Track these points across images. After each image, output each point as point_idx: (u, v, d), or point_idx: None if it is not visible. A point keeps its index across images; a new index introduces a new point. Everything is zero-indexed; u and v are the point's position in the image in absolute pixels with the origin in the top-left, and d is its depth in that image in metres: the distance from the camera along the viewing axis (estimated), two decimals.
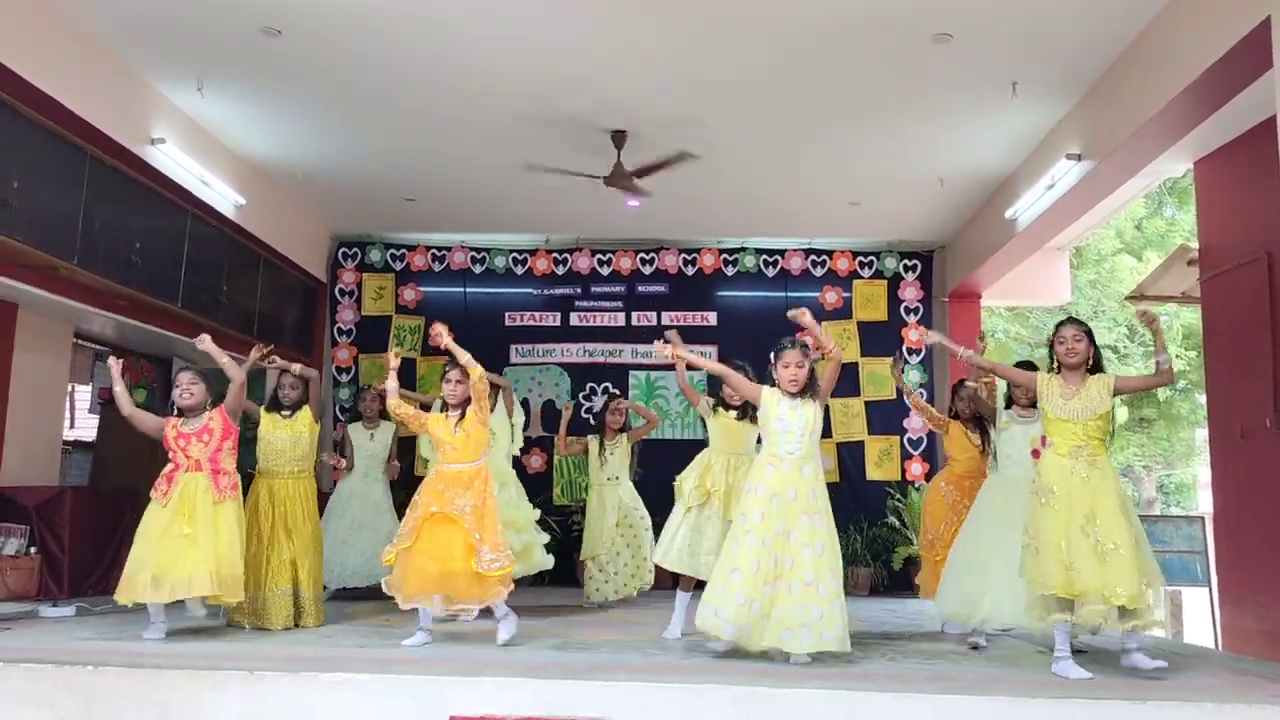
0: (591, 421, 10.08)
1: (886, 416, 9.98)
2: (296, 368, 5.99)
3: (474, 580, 4.96)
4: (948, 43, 6.00)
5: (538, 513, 7.03)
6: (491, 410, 5.81)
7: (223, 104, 7.15)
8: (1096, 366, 4.67)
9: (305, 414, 5.90)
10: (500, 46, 6.23)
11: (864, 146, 7.78)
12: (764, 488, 4.71)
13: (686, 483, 5.69)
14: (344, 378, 10.22)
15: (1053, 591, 4.37)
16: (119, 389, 5.35)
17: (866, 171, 8.31)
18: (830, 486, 9.48)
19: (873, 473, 9.92)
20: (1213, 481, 7.29)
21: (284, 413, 5.86)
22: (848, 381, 9.96)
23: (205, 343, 5.50)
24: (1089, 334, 4.67)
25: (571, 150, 7.69)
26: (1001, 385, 5.59)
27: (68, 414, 8.07)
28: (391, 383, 5.41)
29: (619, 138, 7.46)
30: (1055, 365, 4.71)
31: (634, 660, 4.67)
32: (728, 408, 5.81)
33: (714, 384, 7.33)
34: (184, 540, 4.97)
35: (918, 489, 9.62)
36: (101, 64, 6.34)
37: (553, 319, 10.30)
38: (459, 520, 5.01)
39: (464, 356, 5.25)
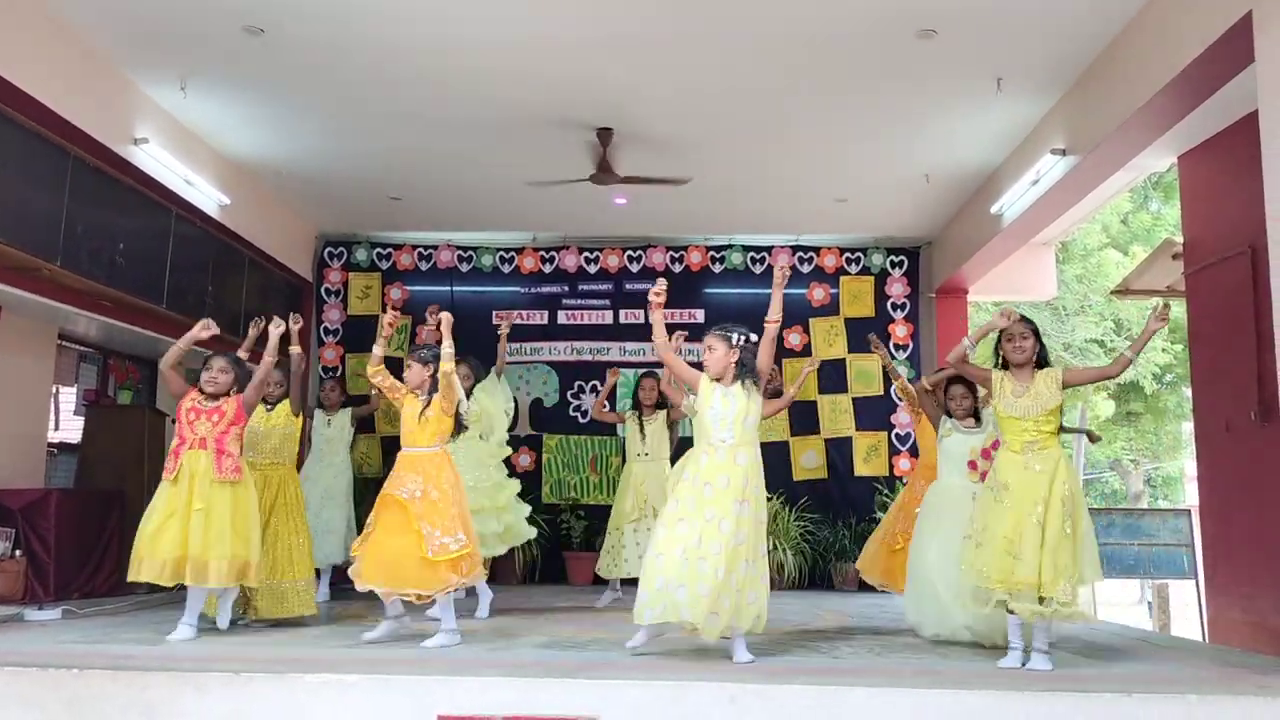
0: (581, 419, 10.12)
1: (874, 412, 9.99)
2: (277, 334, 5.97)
3: (421, 567, 4.93)
4: (932, 38, 6.01)
5: (517, 485, 7.19)
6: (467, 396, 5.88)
7: (206, 103, 7.11)
8: (1043, 361, 4.76)
9: (283, 407, 6.05)
10: (485, 43, 6.22)
11: (850, 143, 7.78)
12: (696, 475, 4.70)
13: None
14: (330, 377, 10.17)
15: (988, 585, 4.50)
16: (181, 347, 5.44)
17: (853, 168, 8.32)
18: (818, 482, 9.61)
19: (860, 469, 9.93)
20: (1199, 475, 7.33)
21: (266, 405, 5.97)
22: (836, 378, 9.98)
23: (211, 328, 5.51)
24: (1035, 331, 4.77)
25: (558, 148, 7.67)
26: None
27: (52, 416, 8.02)
28: (378, 350, 5.42)
29: (604, 135, 7.45)
30: (1002, 363, 4.80)
31: (622, 658, 4.66)
32: None
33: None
34: (198, 518, 5.03)
35: (905, 485, 9.62)
36: (83, 63, 6.30)
37: (540, 317, 10.27)
38: (405, 504, 5.02)
39: (447, 348, 5.28)
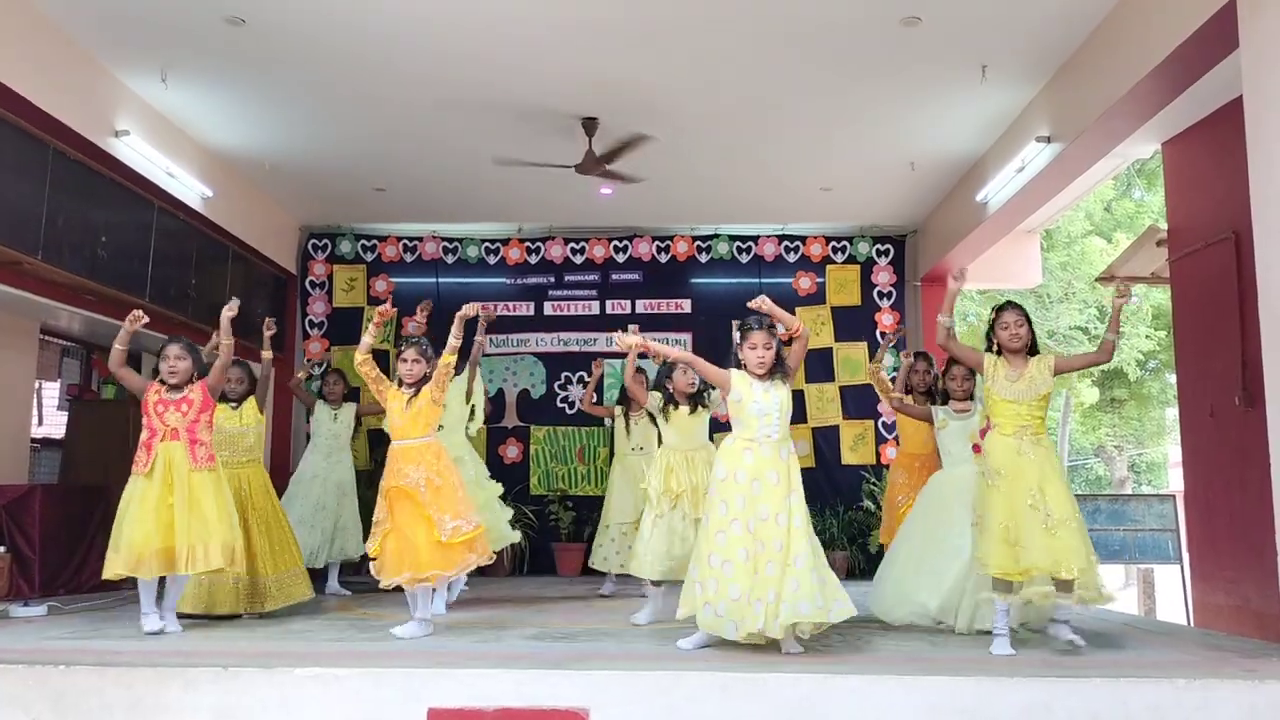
0: (569, 410, 10.11)
1: (861, 401, 10.01)
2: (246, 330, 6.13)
3: (437, 550, 4.97)
4: (917, 26, 6.00)
5: (499, 487, 6.97)
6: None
7: (187, 95, 7.05)
8: (1034, 348, 4.78)
9: (251, 405, 5.98)
10: (470, 33, 6.18)
11: (835, 131, 7.78)
12: (743, 473, 4.56)
13: (652, 488, 5.64)
14: (316, 370, 10.13)
15: (994, 572, 4.48)
16: (120, 347, 5.29)
17: (838, 156, 8.31)
18: (805, 471, 9.51)
19: (848, 457, 9.95)
20: (1183, 460, 7.37)
21: (230, 404, 5.91)
22: (822, 367, 10.00)
23: (234, 309, 5.48)
24: (1028, 318, 4.79)
25: (543, 138, 7.64)
26: None
27: (35, 411, 7.97)
28: (368, 340, 5.35)
29: (590, 125, 7.42)
30: (995, 349, 4.79)
31: (612, 648, 4.66)
32: (677, 404, 5.73)
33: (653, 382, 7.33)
34: (171, 511, 4.97)
35: (887, 481, 9.66)
36: (63, 55, 6.23)
37: (526, 308, 10.25)
38: (413, 493, 5.04)
39: (456, 339, 5.28)
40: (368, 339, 5.35)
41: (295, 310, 10.21)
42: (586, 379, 9.88)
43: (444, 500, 5.07)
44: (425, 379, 5.28)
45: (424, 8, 5.87)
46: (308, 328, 10.21)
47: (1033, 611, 4.92)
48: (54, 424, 8.37)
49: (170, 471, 5.06)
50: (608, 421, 7.91)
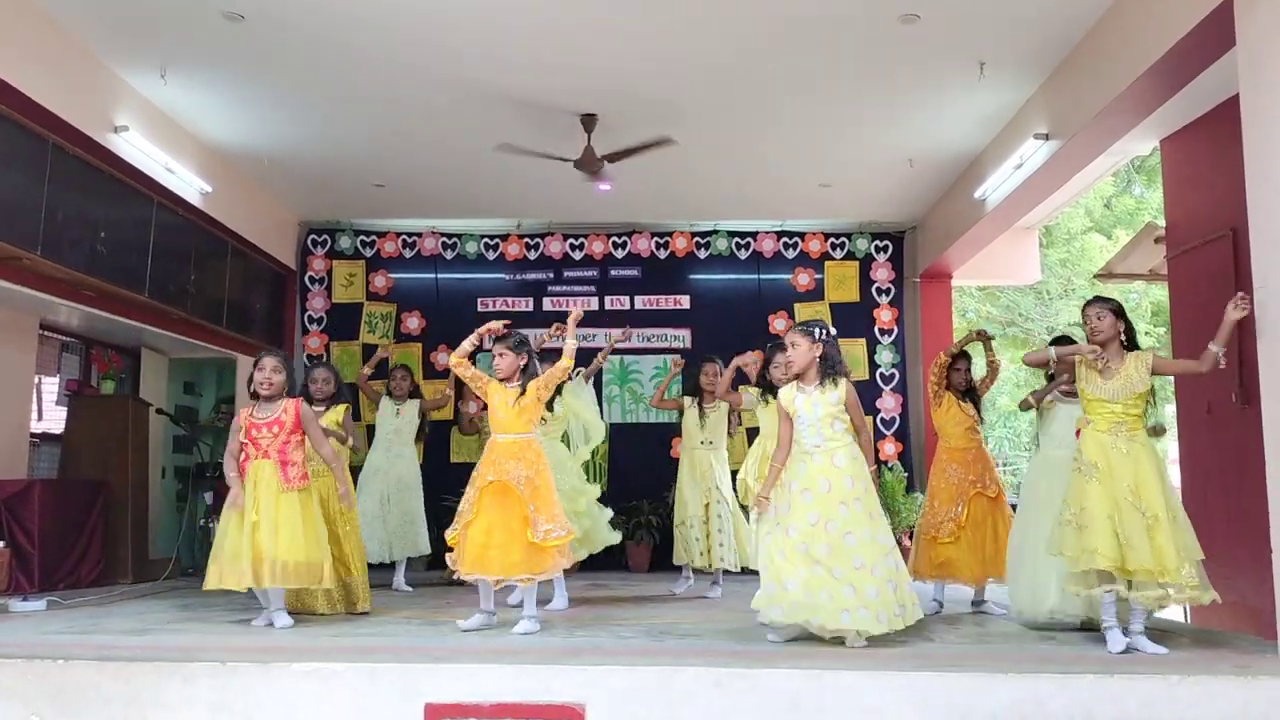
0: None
1: (860, 397, 9.96)
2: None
3: (529, 551, 4.94)
4: (915, 23, 6.00)
5: (597, 489, 6.95)
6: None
7: (187, 90, 7.05)
8: (1131, 343, 4.67)
9: (336, 411, 6.10)
10: (468, 29, 6.18)
11: (834, 128, 7.78)
12: (797, 483, 4.67)
13: (751, 478, 5.67)
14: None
15: (1105, 564, 4.33)
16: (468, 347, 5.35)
17: (837, 153, 8.32)
18: None
19: None
20: (1180, 457, 7.38)
21: (317, 405, 6.00)
22: None
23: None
24: (1113, 310, 4.65)
25: (541, 134, 7.63)
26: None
27: (35, 406, 7.98)
28: (467, 345, 5.30)
29: (589, 121, 7.43)
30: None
31: (608, 643, 4.68)
32: (775, 393, 5.59)
33: (688, 385, 7.37)
34: (253, 528, 5.03)
35: (890, 469, 9.68)
36: (62, 50, 6.23)
37: (525, 304, 10.25)
38: (514, 489, 5.00)
39: (570, 344, 5.34)
40: (468, 344, 5.31)
41: (294, 306, 10.22)
42: (584, 372, 9.94)
43: (541, 500, 5.03)
44: (521, 372, 5.26)
45: (423, 4, 5.87)
46: (307, 323, 10.22)
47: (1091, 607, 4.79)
48: (53, 419, 8.37)
49: (257, 489, 5.10)
50: (677, 414, 7.64)
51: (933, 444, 6.88)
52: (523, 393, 5.19)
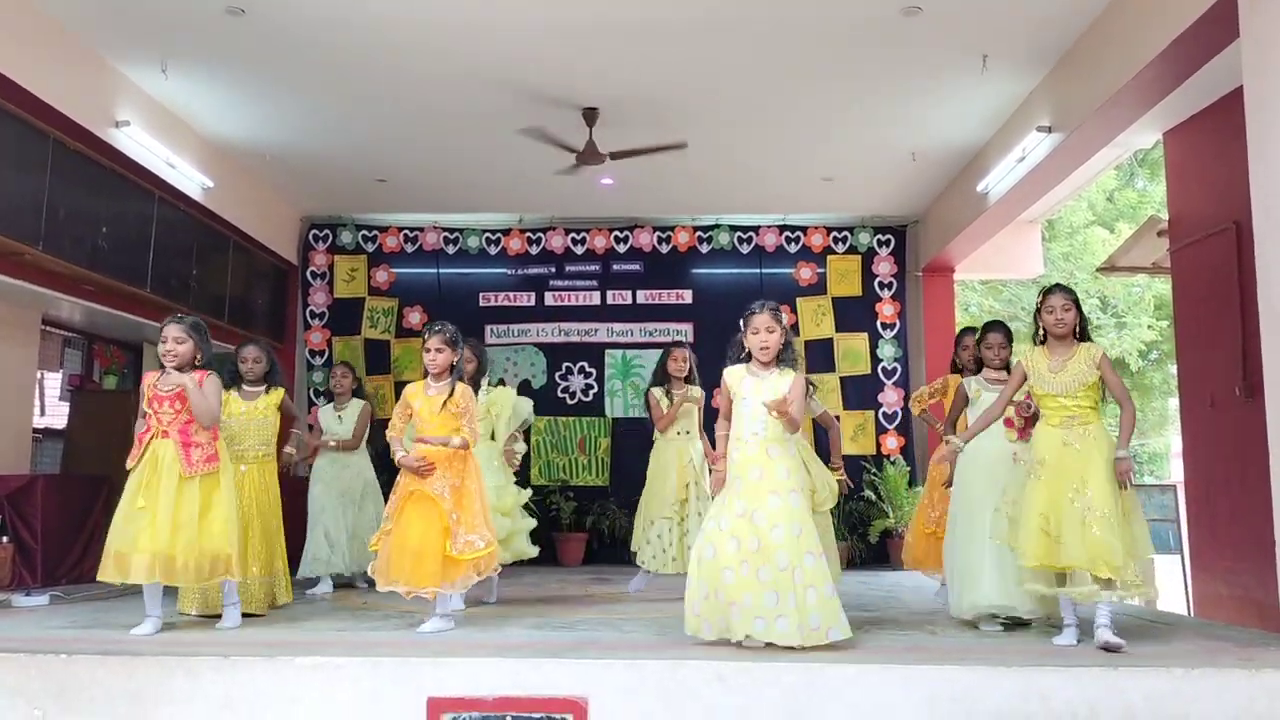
0: (569, 401, 10.12)
1: (861, 391, 10.02)
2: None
3: (443, 564, 4.73)
4: (917, 15, 5.99)
5: (527, 494, 6.57)
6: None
7: (188, 85, 7.05)
8: (1084, 334, 4.57)
9: (273, 395, 5.57)
10: (471, 23, 6.17)
11: (836, 121, 7.77)
12: (729, 470, 4.41)
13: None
14: (318, 360, 10.15)
15: (1032, 564, 4.34)
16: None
17: (839, 146, 8.30)
18: None
19: (848, 447, 9.91)
20: (1184, 450, 7.37)
21: (244, 389, 5.54)
22: (823, 357, 10.00)
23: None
24: (1076, 302, 4.55)
25: (543, 127, 7.63)
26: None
27: (37, 401, 7.98)
28: (392, 433, 5.01)
29: (591, 115, 7.42)
30: (1041, 335, 4.59)
31: (610, 638, 4.67)
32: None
33: (655, 375, 6.87)
34: (140, 514, 4.58)
35: (893, 463, 9.68)
36: (63, 46, 6.23)
37: (527, 299, 10.26)
38: (436, 500, 4.81)
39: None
40: (392, 433, 5.02)
41: (296, 300, 10.22)
42: (587, 368, 9.99)
43: (465, 509, 4.85)
44: (452, 369, 5.00)
45: (424, 0, 5.87)
46: (309, 318, 10.22)
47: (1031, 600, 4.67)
48: (56, 414, 8.38)
49: (157, 474, 4.64)
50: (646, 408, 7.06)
51: (934, 437, 6.88)
52: (451, 393, 4.94)
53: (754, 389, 4.40)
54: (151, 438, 4.74)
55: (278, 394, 5.63)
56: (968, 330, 6.11)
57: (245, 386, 5.59)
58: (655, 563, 6.52)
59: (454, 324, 5.16)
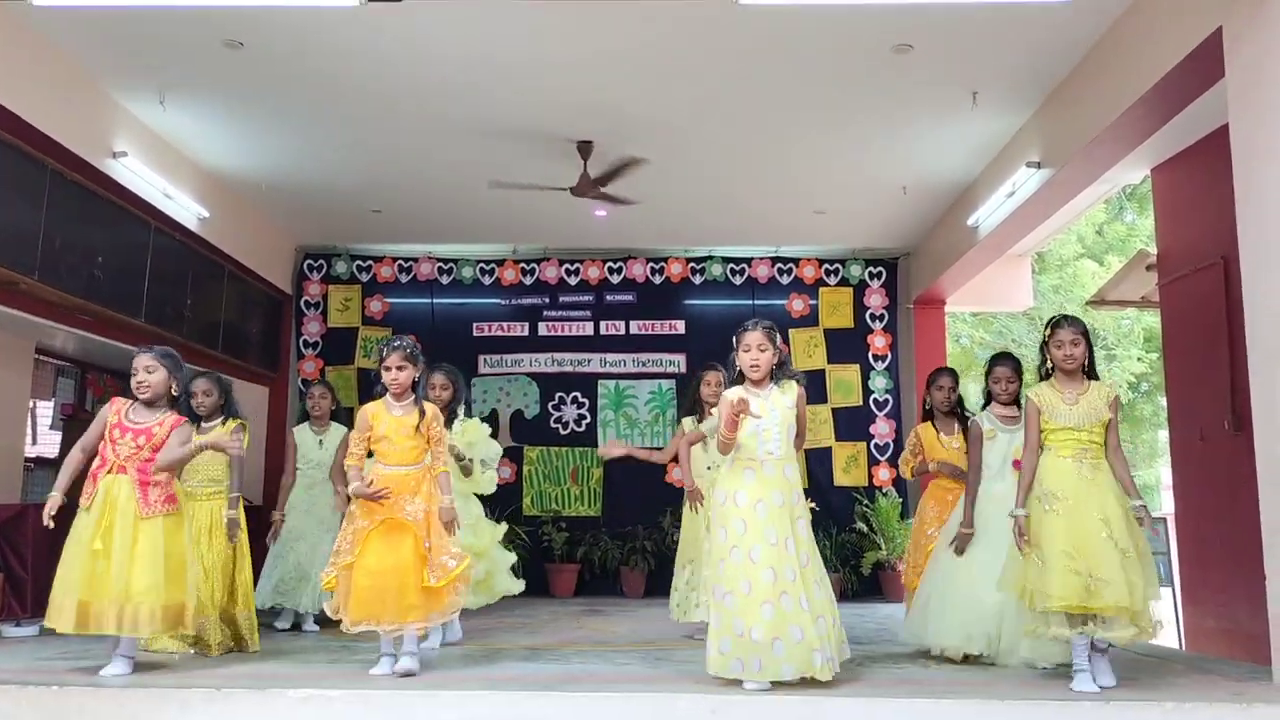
0: (562, 431, 10.12)
1: (853, 423, 10.04)
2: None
3: (424, 596, 4.42)
4: (908, 53, 6.07)
5: (503, 528, 6.19)
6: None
7: (185, 116, 7.09)
8: (1093, 371, 4.36)
9: (226, 428, 5.29)
10: (465, 56, 6.23)
11: (828, 155, 7.83)
12: (744, 495, 4.16)
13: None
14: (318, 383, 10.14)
15: (1058, 605, 4.05)
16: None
17: (831, 180, 8.37)
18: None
19: (840, 479, 9.97)
20: (1174, 483, 7.40)
21: (199, 422, 5.28)
22: (815, 389, 10.02)
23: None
24: (1086, 335, 4.34)
25: (538, 161, 7.70)
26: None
27: (29, 430, 7.96)
28: (352, 461, 4.63)
29: (585, 148, 7.48)
30: (1048, 369, 4.40)
31: (604, 670, 4.67)
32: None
33: (684, 404, 6.49)
34: (95, 557, 4.27)
35: (885, 494, 9.69)
36: (62, 77, 6.27)
37: (521, 329, 10.28)
38: (411, 526, 4.47)
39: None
40: (350, 464, 4.64)
41: (290, 330, 10.23)
42: (580, 398, 10.01)
43: (437, 536, 4.51)
44: (415, 385, 4.66)
45: (421, 32, 5.92)
46: (302, 348, 10.23)
47: (1053, 647, 4.46)
48: (48, 443, 8.36)
49: (105, 512, 4.35)
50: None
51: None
52: (422, 414, 4.61)
53: (759, 407, 4.23)
54: (107, 472, 4.44)
55: (232, 426, 5.32)
56: (943, 370, 5.99)
57: (202, 423, 5.29)
58: (679, 610, 6.00)
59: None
